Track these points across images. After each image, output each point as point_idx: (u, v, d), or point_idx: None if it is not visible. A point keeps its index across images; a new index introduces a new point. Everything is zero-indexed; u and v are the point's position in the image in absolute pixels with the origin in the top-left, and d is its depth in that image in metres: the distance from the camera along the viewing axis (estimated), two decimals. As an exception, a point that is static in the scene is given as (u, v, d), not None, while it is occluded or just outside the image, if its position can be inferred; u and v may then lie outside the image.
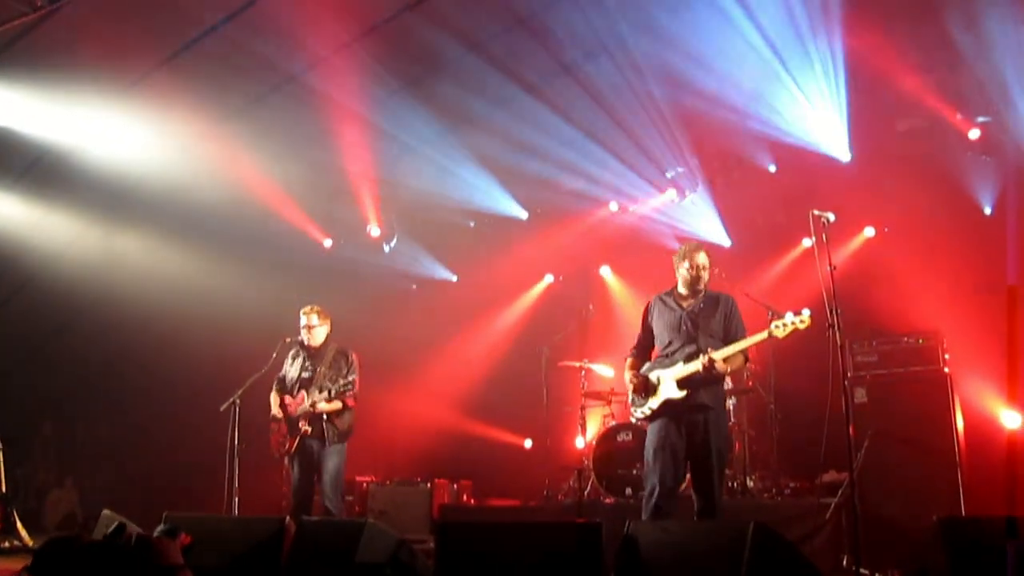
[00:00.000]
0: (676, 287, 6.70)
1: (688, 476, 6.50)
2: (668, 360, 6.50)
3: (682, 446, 6.31)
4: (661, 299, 6.75)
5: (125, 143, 10.09)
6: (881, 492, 7.42)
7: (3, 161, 10.27)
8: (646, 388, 6.50)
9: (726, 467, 6.92)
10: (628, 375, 6.70)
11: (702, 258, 6.59)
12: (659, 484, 6.20)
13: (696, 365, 6.27)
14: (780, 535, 4.71)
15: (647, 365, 6.67)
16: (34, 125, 9.70)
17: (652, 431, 6.45)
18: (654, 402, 6.43)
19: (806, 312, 6.09)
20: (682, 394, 6.32)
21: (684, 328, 6.50)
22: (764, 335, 6.24)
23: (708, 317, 6.50)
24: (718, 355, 6.22)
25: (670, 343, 6.55)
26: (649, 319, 6.78)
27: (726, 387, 9.42)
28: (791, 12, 9.02)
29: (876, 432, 7.59)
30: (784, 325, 6.13)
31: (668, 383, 6.38)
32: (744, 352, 6.42)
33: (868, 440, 7.54)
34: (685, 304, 6.60)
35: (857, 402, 7.76)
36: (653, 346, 6.80)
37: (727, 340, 6.40)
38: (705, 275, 6.58)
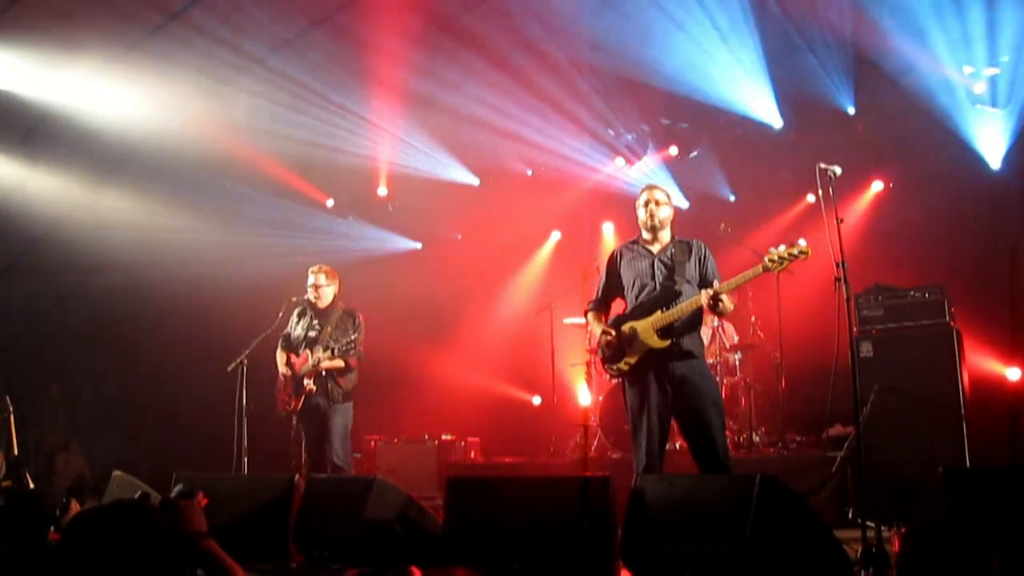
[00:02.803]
0: (640, 235, 6.29)
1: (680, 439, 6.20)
2: (642, 309, 6.03)
3: (667, 403, 5.90)
4: (627, 247, 6.31)
5: (127, 106, 10.06)
6: (887, 445, 7.40)
7: (5, 125, 10.25)
8: (620, 341, 6.04)
9: (725, 418, 6.34)
10: (597, 328, 6.25)
11: (659, 194, 6.21)
12: (646, 456, 5.84)
13: (690, 303, 5.83)
14: (787, 487, 4.71)
15: (616, 317, 6.24)
16: (35, 89, 9.67)
17: (632, 390, 6.02)
18: (632, 356, 5.99)
19: (802, 241, 5.68)
20: (665, 343, 5.87)
21: (658, 274, 6.08)
22: (758, 269, 5.76)
23: (682, 262, 6.05)
24: (723, 288, 5.75)
25: (643, 291, 6.09)
26: (616, 267, 6.31)
27: (733, 341, 9.48)
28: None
29: (882, 386, 7.55)
30: (781, 258, 5.66)
31: (648, 333, 5.91)
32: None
33: (874, 394, 7.49)
34: (654, 249, 6.18)
35: (863, 356, 7.70)
36: (616, 298, 6.36)
37: (703, 284, 5.98)
38: (663, 211, 6.17)
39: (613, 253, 6.44)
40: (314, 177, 12.23)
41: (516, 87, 10.44)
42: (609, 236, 11.98)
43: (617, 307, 6.40)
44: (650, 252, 6.20)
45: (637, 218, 6.27)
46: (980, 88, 9.46)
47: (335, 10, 9.59)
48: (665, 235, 6.25)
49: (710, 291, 5.76)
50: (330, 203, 12.78)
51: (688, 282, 6.02)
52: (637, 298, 6.13)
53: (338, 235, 12.46)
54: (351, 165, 11.95)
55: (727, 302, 5.84)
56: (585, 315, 6.58)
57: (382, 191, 12.52)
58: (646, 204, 6.22)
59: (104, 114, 10.10)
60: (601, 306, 6.44)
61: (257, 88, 10.27)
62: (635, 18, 9.54)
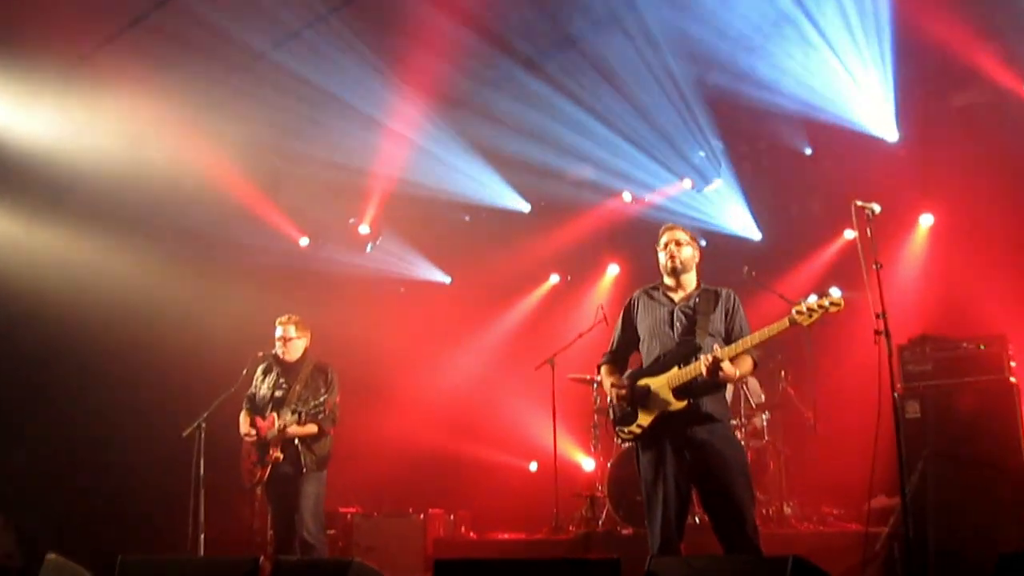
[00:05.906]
0: (663, 279, 6.28)
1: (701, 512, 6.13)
2: (658, 365, 5.98)
3: (685, 471, 5.82)
4: (647, 293, 6.29)
5: (72, 130, 10.07)
6: (938, 520, 7.32)
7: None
8: (633, 401, 5.98)
9: (754, 490, 6.21)
10: (608, 383, 6.21)
11: (680, 234, 6.21)
12: (661, 533, 5.76)
13: (697, 366, 5.76)
14: (823, 571, 4.68)
15: (630, 372, 6.19)
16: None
17: (646, 457, 5.94)
18: (645, 418, 5.92)
19: (835, 292, 5.65)
20: (681, 404, 5.81)
21: (678, 325, 6.03)
22: (784, 323, 5.67)
23: (706, 313, 6.01)
24: (724, 353, 5.69)
25: (660, 344, 6.06)
26: (633, 316, 6.30)
27: (759, 400, 9.44)
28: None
29: (932, 451, 7.53)
30: (810, 310, 5.60)
31: (663, 392, 5.87)
32: (753, 356, 5.95)
33: (923, 460, 7.47)
34: (676, 297, 6.17)
35: (909, 417, 7.65)
36: (633, 350, 6.33)
37: (729, 341, 5.93)
38: (685, 251, 6.17)
39: (630, 300, 6.41)
40: (286, 210, 12.24)
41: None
42: (612, 278, 12.03)
43: (635, 361, 6.34)
44: (671, 300, 6.18)
45: (660, 255, 6.26)
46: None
47: (305, 25, 9.62)
48: (690, 280, 6.24)
49: (709, 356, 5.70)
50: (304, 241, 12.79)
51: (711, 335, 5.96)
52: (654, 352, 6.09)
53: (312, 277, 12.43)
54: (330, 193, 11.97)
55: (730, 370, 5.75)
56: (597, 369, 6.52)
57: (364, 229, 12.55)
58: (666, 246, 6.22)
59: (45, 141, 10.10)
60: (615, 359, 6.40)
61: (219, 114, 10.30)
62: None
